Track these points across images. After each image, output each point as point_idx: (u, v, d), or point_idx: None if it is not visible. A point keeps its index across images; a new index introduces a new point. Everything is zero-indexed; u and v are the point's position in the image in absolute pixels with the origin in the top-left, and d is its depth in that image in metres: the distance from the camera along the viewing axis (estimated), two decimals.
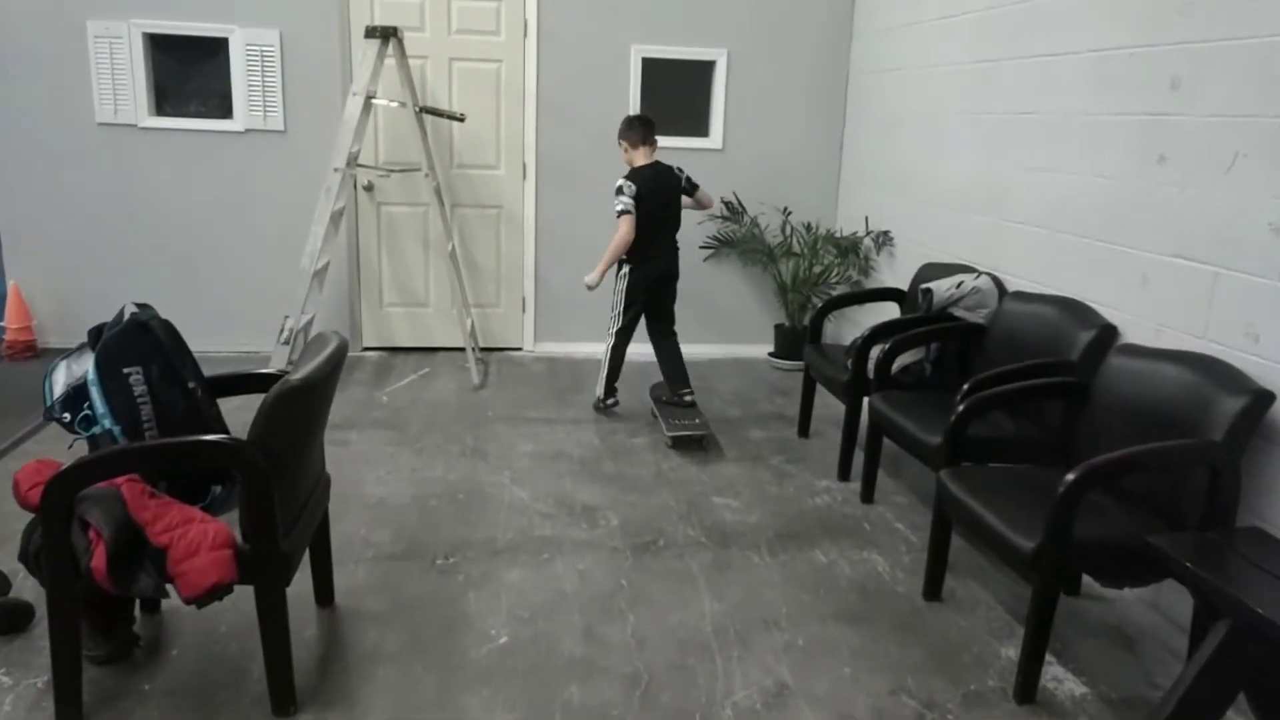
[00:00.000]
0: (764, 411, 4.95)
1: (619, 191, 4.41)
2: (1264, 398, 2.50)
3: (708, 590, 3.08)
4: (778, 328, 5.81)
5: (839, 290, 5.60)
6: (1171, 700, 2.11)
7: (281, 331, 4.83)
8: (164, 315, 2.50)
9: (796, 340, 5.73)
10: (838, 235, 5.57)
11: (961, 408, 3.00)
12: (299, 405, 2.25)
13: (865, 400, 3.96)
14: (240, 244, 5.46)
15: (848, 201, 5.77)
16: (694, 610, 2.96)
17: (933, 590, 3.08)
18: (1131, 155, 3.21)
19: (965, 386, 3.16)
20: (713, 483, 3.97)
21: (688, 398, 4.56)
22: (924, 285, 3.96)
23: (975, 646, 2.81)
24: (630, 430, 4.56)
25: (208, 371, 2.58)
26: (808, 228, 5.74)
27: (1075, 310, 3.39)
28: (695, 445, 4.32)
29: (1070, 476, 2.40)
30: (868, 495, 3.83)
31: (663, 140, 5.67)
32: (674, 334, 4.69)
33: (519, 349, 5.94)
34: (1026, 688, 2.54)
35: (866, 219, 5.29)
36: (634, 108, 5.65)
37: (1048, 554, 2.44)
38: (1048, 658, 2.64)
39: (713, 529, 3.53)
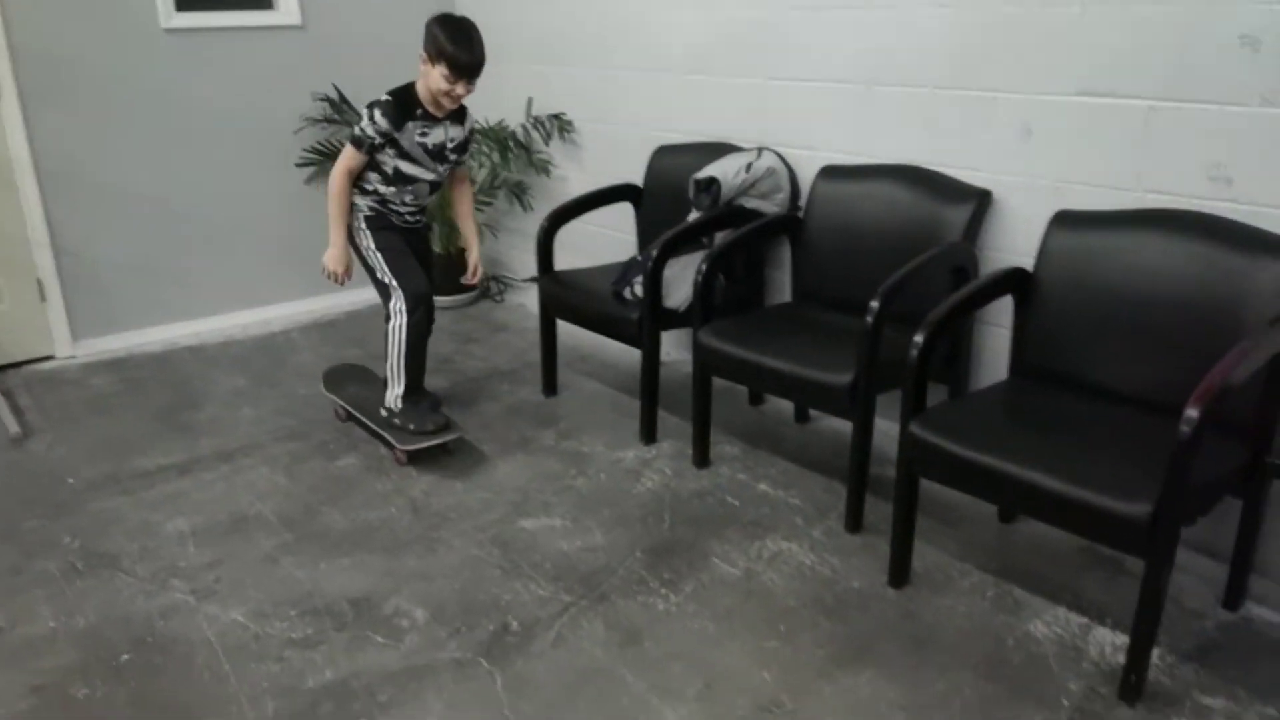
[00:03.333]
0: (472, 371, 3.74)
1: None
2: None
3: (651, 686, 1.99)
4: None
5: (498, 199, 4.44)
6: None
7: None
8: None
9: (453, 271, 4.48)
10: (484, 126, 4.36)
11: (922, 338, 2.19)
12: None
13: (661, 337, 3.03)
14: None
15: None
16: None
17: (900, 578, 2.33)
18: None
19: (876, 301, 2.35)
20: (502, 500, 2.76)
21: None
22: (703, 174, 3.04)
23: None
24: (321, 448, 3.10)
25: None
26: None
27: (930, 182, 2.73)
28: (441, 451, 3.02)
29: (1192, 413, 1.73)
30: (702, 459, 2.94)
31: (209, 18, 3.98)
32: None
33: (50, 358, 3.91)
34: None
35: (530, 100, 4.16)
36: None
37: (1166, 519, 1.78)
38: None
39: (564, 575, 2.39)
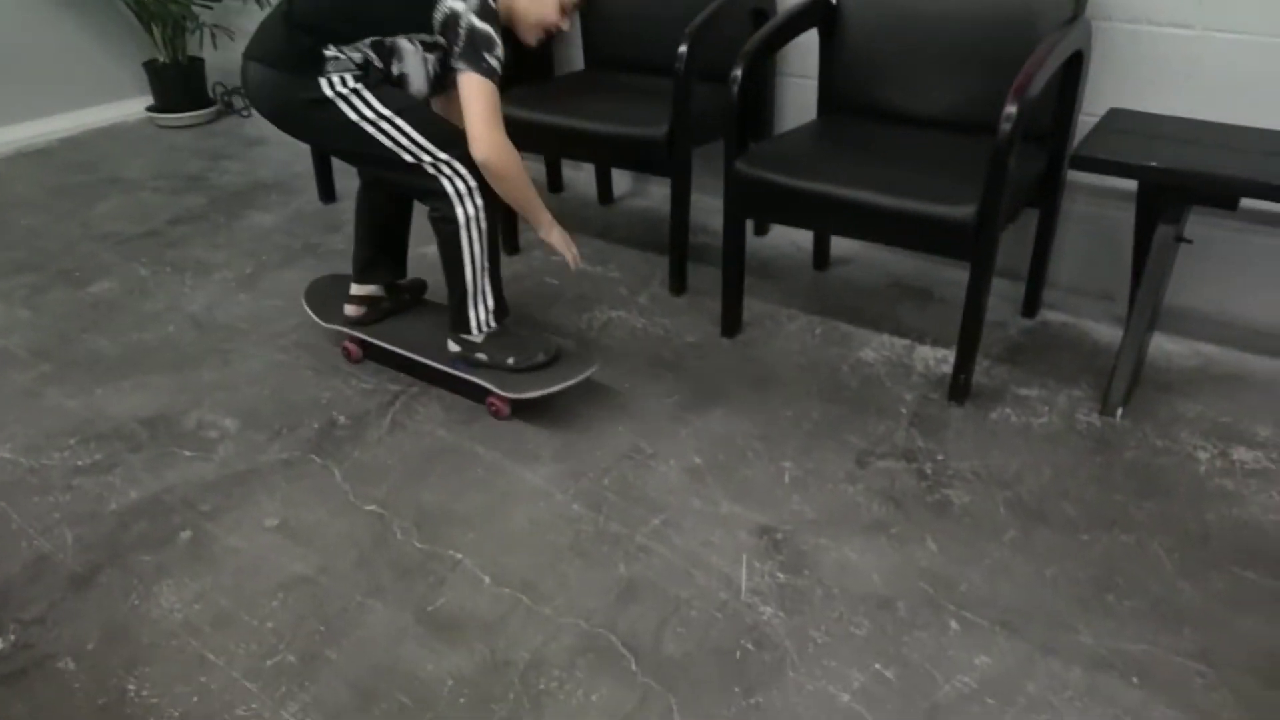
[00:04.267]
0: (232, 186, 3.31)
1: None
2: None
3: (506, 454, 1.89)
4: (150, 67, 3.90)
5: None
6: None
7: None
8: None
9: (185, 78, 3.93)
10: None
11: (739, 71, 2.10)
12: None
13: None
14: None
15: None
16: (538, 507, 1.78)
17: (732, 327, 2.33)
18: None
19: (684, 45, 2.24)
20: (299, 307, 2.49)
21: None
22: None
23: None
24: (64, 277, 2.66)
25: None
26: None
27: None
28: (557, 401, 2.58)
29: (1011, 109, 1.77)
30: (512, 245, 2.78)
31: None
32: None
33: None
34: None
35: None
36: None
37: (989, 219, 1.84)
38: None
39: (385, 368, 2.21)
